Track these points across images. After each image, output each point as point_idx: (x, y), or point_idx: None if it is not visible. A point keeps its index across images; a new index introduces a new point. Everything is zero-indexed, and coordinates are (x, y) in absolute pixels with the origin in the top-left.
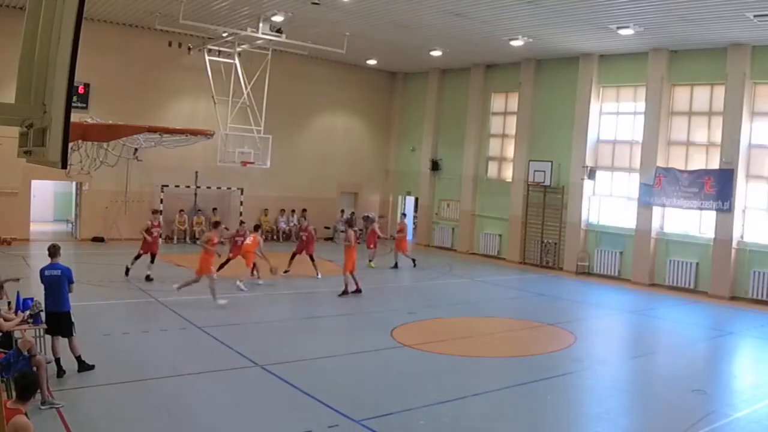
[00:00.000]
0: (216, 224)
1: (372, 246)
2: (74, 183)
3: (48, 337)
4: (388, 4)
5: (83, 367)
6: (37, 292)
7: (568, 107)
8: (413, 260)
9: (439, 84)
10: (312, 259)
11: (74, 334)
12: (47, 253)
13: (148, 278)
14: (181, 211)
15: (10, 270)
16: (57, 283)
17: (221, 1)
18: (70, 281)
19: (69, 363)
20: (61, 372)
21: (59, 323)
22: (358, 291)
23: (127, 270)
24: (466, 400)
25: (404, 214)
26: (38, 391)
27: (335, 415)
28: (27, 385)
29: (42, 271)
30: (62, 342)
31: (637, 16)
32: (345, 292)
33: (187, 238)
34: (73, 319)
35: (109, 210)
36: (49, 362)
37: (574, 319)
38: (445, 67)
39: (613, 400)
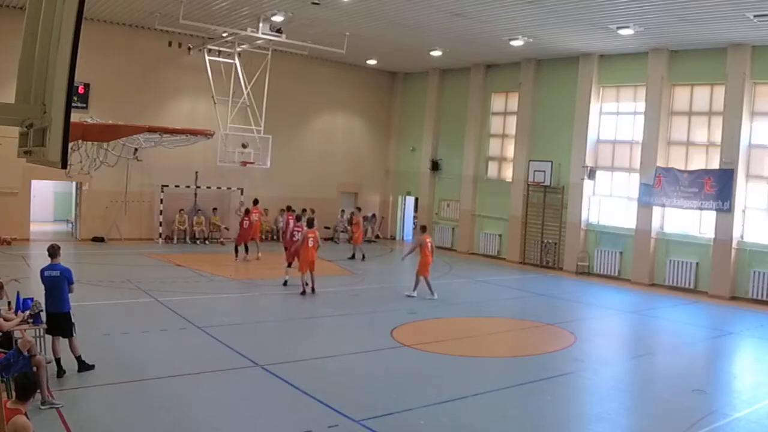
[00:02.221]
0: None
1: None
2: (74, 183)
3: (48, 337)
4: (388, 4)
5: (83, 367)
6: (37, 292)
7: (568, 107)
8: (360, 255)
9: (439, 84)
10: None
11: (74, 334)
12: (47, 253)
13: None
14: (181, 210)
15: (10, 270)
16: (56, 283)
17: (221, 1)
18: (70, 282)
19: (69, 363)
20: (61, 372)
21: (59, 323)
22: (302, 293)
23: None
24: (466, 400)
25: (359, 208)
26: (38, 391)
27: (335, 415)
28: (27, 385)
29: (42, 271)
30: (62, 342)
31: (637, 16)
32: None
33: (187, 238)
34: (73, 320)
35: (109, 210)
36: (49, 362)
37: (574, 319)
38: (445, 67)
39: (613, 400)
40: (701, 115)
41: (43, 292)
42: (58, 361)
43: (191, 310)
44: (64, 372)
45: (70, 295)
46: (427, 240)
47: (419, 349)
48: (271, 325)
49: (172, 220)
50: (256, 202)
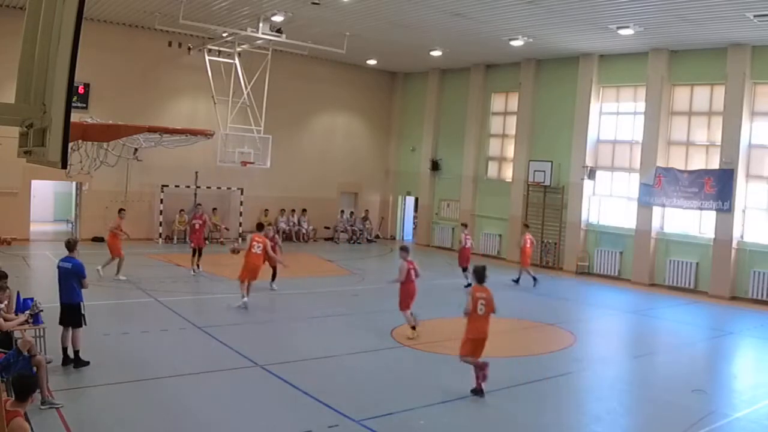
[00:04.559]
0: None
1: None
2: (74, 183)
3: (48, 337)
4: (388, 4)
5: (79, 362)
6: (37, 292)
7: (568, 107)
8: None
9: (439, 84)
10: (200, 252)
11: (84, 324)
12: (65, 246)
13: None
14: (182, 210)
15: (10, 270)
16: (68, 276)
17: (221, 1)
18: (82, 276)
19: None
20: (67, 360)
21: (69, 314)
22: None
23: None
24: (466, 400)
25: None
26: (37, 391)
27: (335, 415)
28: (24, 386)
29: (58, 263)
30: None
31: (637, 16)
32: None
33: (187, 238)
34: (83, 311)
35: (109, 210)
36: (49, 362)
37: (574, 319)
38: (445, 67)
39: (613, 400)
40: (701, 115)
41: (57, 283)
42: (65, 350)
43: (191, 310)
44: (71, 361)
45: (84, 290)
46: (528, 237)
47: (419, 349)
48: (271, 325)
49: (172, 220)
50: (197, 205)
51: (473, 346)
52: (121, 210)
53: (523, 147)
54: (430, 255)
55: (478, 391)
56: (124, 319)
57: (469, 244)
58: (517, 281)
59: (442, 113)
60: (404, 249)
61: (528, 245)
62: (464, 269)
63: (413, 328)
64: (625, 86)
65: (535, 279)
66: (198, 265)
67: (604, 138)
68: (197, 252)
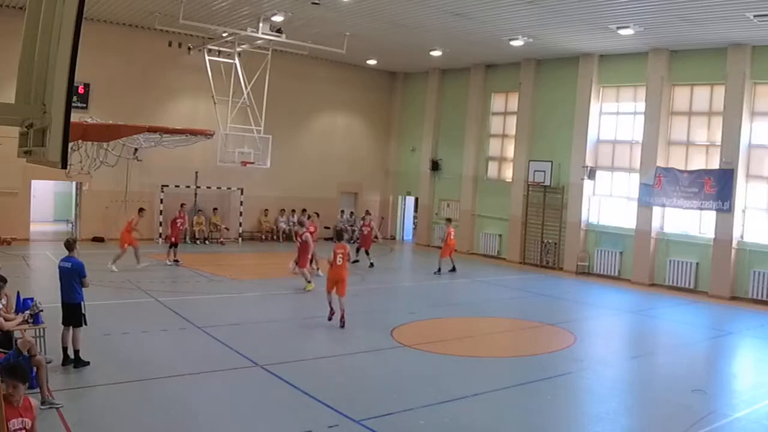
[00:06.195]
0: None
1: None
2: (74, 183)
3: (48, 337)
4: (388, 4)
5: (79, 362)
6: (36, 292)
7: (568, 107)
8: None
9: (439, 84)
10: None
11: (85, 324)
12: (64, 246)
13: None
14: (183, 204)
15: (10, 270)
16: (68, 275)
17: (221, 1)
18: (82, 275)
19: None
20: (67, 360)
21: (69, 313)
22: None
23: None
24: (466, 400)
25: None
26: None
27: (335, 415)
28: (10, 376)
29: (58, 263)
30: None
31: (637, 16)
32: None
33: (187, 238)
34: (84, 311)
35: (109, 210)
36: (49, 362)
37: (574, 319)
38: (445, 67)
39: (613, 400)
40: (701, 115)
41: (59, 283)
42: (65, 350)
43: (191, 310)
44: (71, 361)
45: (84, 289)
46: (451, 230)
47: (419, 349)
48: (271, 325)
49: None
50: (182, 205)
51: (332, 284)
52: (141, 210)
53: (523, 147)
54: (429, 255)
55: (330, 318)
56: (124, 319)
57: (369, 230)
58: (452, 270)
59: (442, 113)
60: (301, 223)
61: (452, 237)
62: (366, 251)
63: (309, 282)
64: (625, 86)
65: (444, 270)
66: (175, 257)
67: (604, 138)
68: (175, 245)
